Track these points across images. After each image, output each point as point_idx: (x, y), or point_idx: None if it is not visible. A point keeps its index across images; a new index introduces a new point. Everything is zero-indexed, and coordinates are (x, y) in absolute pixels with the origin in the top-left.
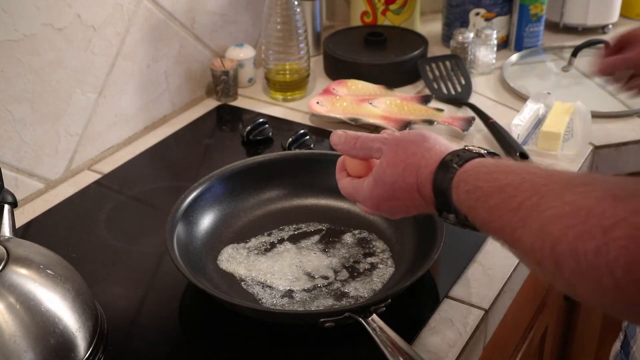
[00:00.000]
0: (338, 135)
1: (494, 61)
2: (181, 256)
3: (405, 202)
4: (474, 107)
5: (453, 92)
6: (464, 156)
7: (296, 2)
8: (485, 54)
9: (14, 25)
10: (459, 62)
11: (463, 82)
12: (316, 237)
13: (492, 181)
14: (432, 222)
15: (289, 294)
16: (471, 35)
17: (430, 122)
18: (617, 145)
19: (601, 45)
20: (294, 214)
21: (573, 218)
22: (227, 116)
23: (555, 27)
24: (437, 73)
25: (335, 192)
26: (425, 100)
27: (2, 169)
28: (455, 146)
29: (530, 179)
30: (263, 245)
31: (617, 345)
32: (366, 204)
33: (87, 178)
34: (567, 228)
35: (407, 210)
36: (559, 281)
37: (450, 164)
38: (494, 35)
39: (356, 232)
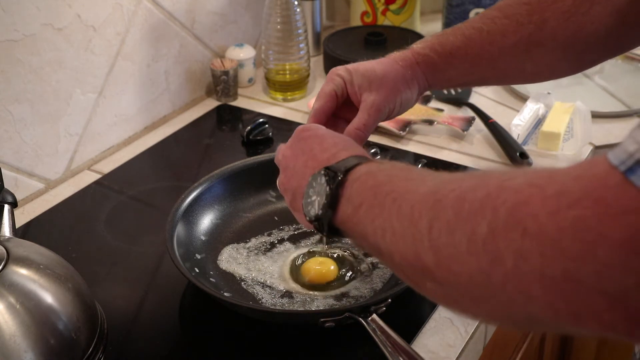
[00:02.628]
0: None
1: None
2: (181, 256)
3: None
4: (474, 107)
5: (453, 92)
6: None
7: (296, 2)
8: None
9: (14, 25)
10: None
11: None
12: (316, 237)
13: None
14: None
15: (288, 294)
16: None
17: (430, 122)
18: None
19: None
20: None
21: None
22: (227, 116)
23: None
24: None
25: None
26: (425, 100)
27: (2, 169)
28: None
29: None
30: (263, 245)
31: None
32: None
33: (87, 178)
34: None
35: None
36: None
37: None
38: None
39: None
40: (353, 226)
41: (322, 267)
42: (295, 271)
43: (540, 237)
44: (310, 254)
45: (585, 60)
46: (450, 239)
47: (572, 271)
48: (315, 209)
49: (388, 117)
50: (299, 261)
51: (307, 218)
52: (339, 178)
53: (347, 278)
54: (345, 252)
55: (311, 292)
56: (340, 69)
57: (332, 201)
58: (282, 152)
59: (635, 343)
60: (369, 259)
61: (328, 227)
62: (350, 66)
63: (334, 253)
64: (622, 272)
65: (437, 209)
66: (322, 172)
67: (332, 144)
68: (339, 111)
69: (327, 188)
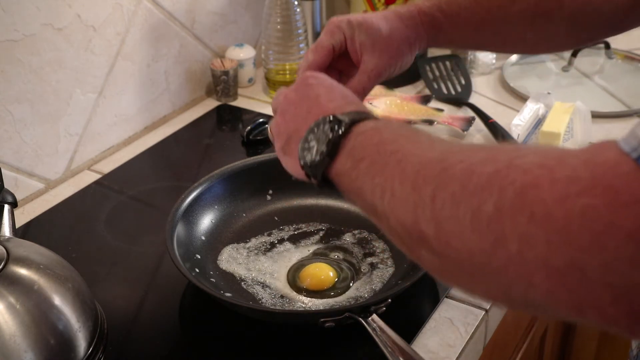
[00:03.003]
0: None
1: (494, 61)
2: (181, 256)
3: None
4: (474, 107)
5: (453, 92)
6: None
7: (296, 2)
8: (485, 54)
9: (14, 25)
10: (459, 62)
11: (463, 82)
12: (316, 237)
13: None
14: None
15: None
16: None
17: (430, 122)
18: None
19: (601, 45)
20: (294, 214)
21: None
22: (227, 116)
23: None
24: (437, 73)
25: (335, 192)
26: (425, 100)
27: (2, 169)
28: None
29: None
30: (263, 245)
31: None
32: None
33: (87, 178)
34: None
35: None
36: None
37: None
38: None
39: (356, 232)
40: (350, 181)
41: (320, 273)
42: (293, 278)
43: (547, 224)
44: (308, 260)
45: (584, 37)
46: (453, 212)
47: (578, 262)
48: (312, 155)
49: (384, 80)
50: (297, 268)
51: (301, 163)
52: (344, 128)
53: (345, 284)
54: (343, 256)
55: (309, 299)
56: (342, 22)
57: (332, 150)
58: (284, 94)
59: (634, 338)
60: (369, 259)
61: (321, 177)
62: (353, 19)
63: (334, 256)
64: (630, 265)
65: (443, 178)
66: (328, 118)
67: (340, 96)
68: (333, 62)
69: (330, 135)
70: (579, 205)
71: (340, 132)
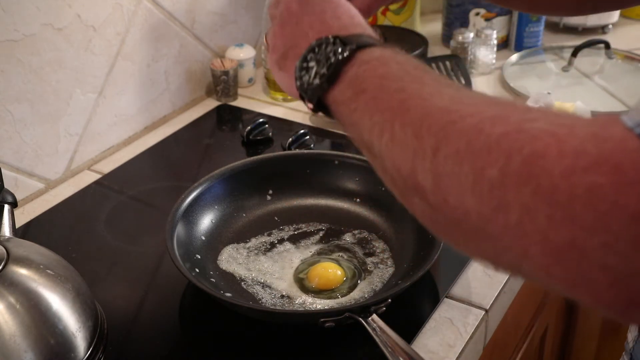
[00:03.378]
0: None
1: (494, 61)
2: (181, 256)
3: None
4: None
5: None
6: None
7: None
8: (485, 54)
9: (14, 25)
10: (459, 62)
11: (463, 82)
12: (316, 237)
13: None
14: None
15: (289, 294)
16: (471, 35)
17: None
18: None
19: (601, 45)
20: (294, 214)
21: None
22: (227, 116)
23: (555, 27)
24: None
25: (335, 192)
26: None
27: (2, 169)
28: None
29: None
30: (263, 245)
31: None
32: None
33: (87, 178)
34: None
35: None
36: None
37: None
38: (494, 35)
39: (356, 232)
40: (348, 112)
41: (328, 273)
42: (300, 277)
43: (551, 199)
44: (314, 259)
45: (588, 6)
46: (455, 169)
47: (579, 240)
48: (310, 77)
49: (389, 3)
50: (304, 267)
51: (297, 83)
52: (347, 52)
53: (352, 283)
54: (347, 256)
55: (313, 299)
56: None
57: (333, 75)
58: (285, 3)
59: (626, 323)
60: (370, 259)
61: (317, 101)
62: None
63: (339, 256)
64: (632, 246)
65: (449, 131)
66: (331, 39)
67: (347, 15)
68: None
69: (332, 59)
70: (585, 182)
71: (344, 56)
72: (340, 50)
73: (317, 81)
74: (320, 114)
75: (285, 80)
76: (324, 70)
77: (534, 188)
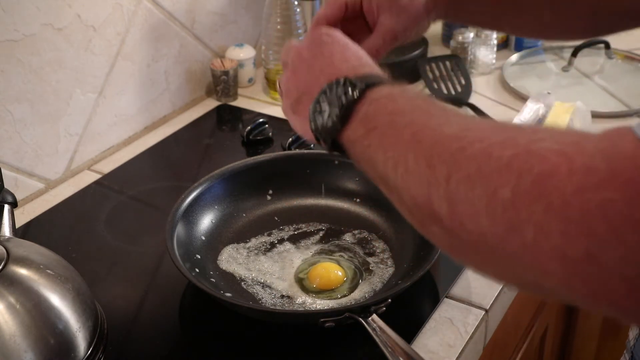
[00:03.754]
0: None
1: (494, 61)
2: (181, 256)
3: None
4: (474, 107)
5: (453, 92)
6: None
7: (296, 2)
8: (485, 54)
9: (14, 25)
10: (459, 62)
11: (463, 82)
12: (316, 237)
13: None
14: None
15: (289, 294)
16: (471, 35)
17: None
18: None
19: (601, 45)
20: (294, 214)
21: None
22: (227, 116)
23: None
24: (437, 73)
25: (335, 192)
26: None
27: (2, 169)
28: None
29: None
30: (263, 245)
31: None
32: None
33: (87, 178)
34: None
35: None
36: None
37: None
38: (494, 35)
39: (356, 232)
40: (362, 148)
41: (329, 273)
42: (301, 277)
43: (564, 215)
44: (315, 259)
45: (603, 28)
46: (469, 194)
47: (595, 253)
48: (323, 119)
49: (398, 45)
50: (304, 267)
51: (312, 126)
52: (357, 93)
53: (354, 284)
54: (347, 256)
55: (314, 300)
56: None
57: (345, 115)
58: (296, 51)
59: None
60: (370, 259)
61: (332, 142)
62: None
63: (339, 256)
64: None
65: (459, 158)
66: (342, 81)
67: (355, 56)
68: (343, 25)
69: (344, 100)
70: (597, 198)
71: (354, 96)
72: (350, 90)
73: (330, 122)
74: (335, 153)
75: (299, 123)
76: (336, 111)
77: (546, 206)
